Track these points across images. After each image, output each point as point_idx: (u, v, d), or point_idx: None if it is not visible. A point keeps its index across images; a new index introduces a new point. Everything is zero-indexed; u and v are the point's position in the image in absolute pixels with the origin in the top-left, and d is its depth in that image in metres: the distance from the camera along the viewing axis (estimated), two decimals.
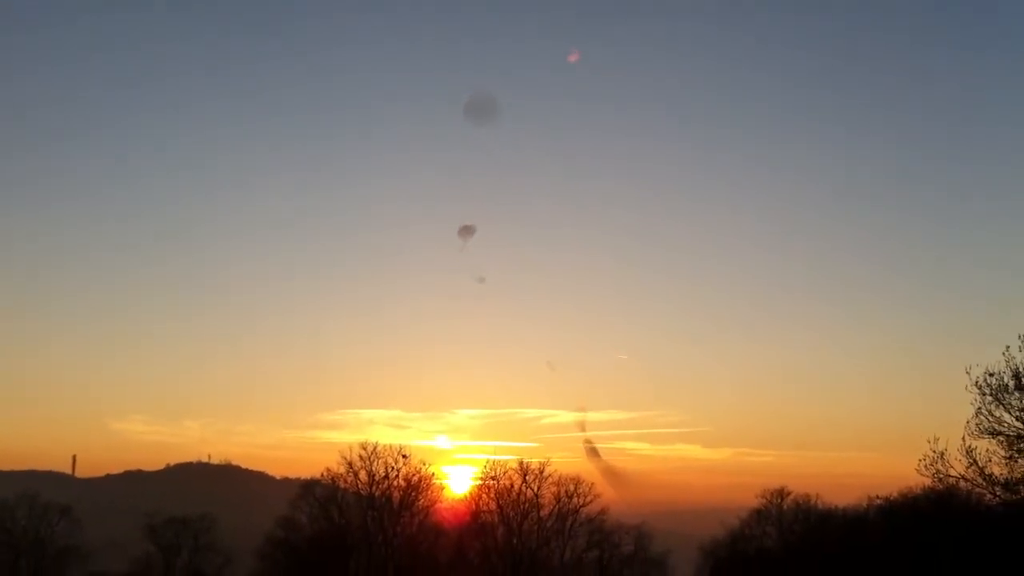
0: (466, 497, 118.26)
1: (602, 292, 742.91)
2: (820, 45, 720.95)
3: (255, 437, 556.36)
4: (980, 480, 52.98)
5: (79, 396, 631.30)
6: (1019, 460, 51.40)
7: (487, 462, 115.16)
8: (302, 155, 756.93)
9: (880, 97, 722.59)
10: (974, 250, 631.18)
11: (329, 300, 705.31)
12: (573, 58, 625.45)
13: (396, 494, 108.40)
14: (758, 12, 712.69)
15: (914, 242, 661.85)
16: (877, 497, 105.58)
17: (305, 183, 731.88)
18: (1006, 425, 51.16)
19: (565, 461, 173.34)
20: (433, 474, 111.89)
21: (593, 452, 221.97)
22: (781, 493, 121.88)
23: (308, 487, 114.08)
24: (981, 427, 51.59)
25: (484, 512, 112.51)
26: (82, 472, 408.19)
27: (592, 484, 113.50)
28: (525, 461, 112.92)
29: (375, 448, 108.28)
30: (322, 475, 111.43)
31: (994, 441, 51.48)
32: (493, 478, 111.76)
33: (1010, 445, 51.07)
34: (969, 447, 51.82)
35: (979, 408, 51.70)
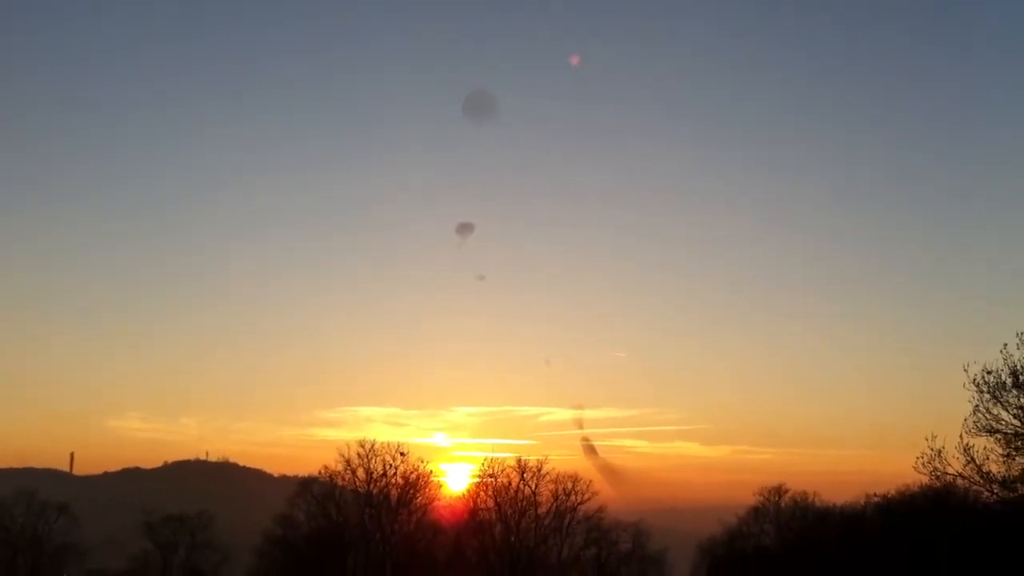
0: (464, 495, 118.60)
1: (600, 290, 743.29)
2: (820, 45, 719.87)
3: (253, 435, 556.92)
4: (978, 478, 52.96)
5: (77, 394, 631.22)
6: (1016, 458, 51.41)
7: (485, 460, 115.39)
8: (299, 153, 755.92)
9: (880, 97, 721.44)
10: (972, 249, 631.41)
11: (327, 298, 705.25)
12: (574, 61, 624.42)
13: (394, 492, 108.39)
14: (758, 12, 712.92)
15: (913, 241, 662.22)
16: (875, 495, 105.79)
17: (303, 181, 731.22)
18: (1004, 423, 51.17)
19: (563, 459, 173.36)
20: (431, 472, 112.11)
21: (590, 450, 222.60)
22: (779, 491, 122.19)
23: (306, 485, 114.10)
24: (979, 425, 51.59)
25: (482, 510, 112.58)
26: (80, 470, 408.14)
27: (590, 482, 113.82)
28: (523, 459, 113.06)
29: (373, 446, 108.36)
30: (320, 473, 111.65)
31: (992, 439, 51.48)
32: (491, 476, 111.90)
33: (1008, 443, 51.07)
34: (967, 445, 51.80)
35: (977, 406, 51.68)
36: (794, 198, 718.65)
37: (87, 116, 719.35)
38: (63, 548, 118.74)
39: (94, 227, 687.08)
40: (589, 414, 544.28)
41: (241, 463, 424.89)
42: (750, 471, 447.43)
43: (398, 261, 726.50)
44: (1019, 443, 50.86)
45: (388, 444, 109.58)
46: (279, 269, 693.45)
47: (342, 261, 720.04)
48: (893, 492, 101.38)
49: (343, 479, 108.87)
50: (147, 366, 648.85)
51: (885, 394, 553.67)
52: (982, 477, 52.70)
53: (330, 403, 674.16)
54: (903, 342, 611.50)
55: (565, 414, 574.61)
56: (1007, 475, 52.23)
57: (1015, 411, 50.92)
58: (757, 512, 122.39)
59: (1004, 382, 51.08)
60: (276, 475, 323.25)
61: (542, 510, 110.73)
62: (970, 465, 52.15)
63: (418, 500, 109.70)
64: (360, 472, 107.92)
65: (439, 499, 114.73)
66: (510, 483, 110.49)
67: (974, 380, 51.81)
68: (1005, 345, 51.06)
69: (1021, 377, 50.65)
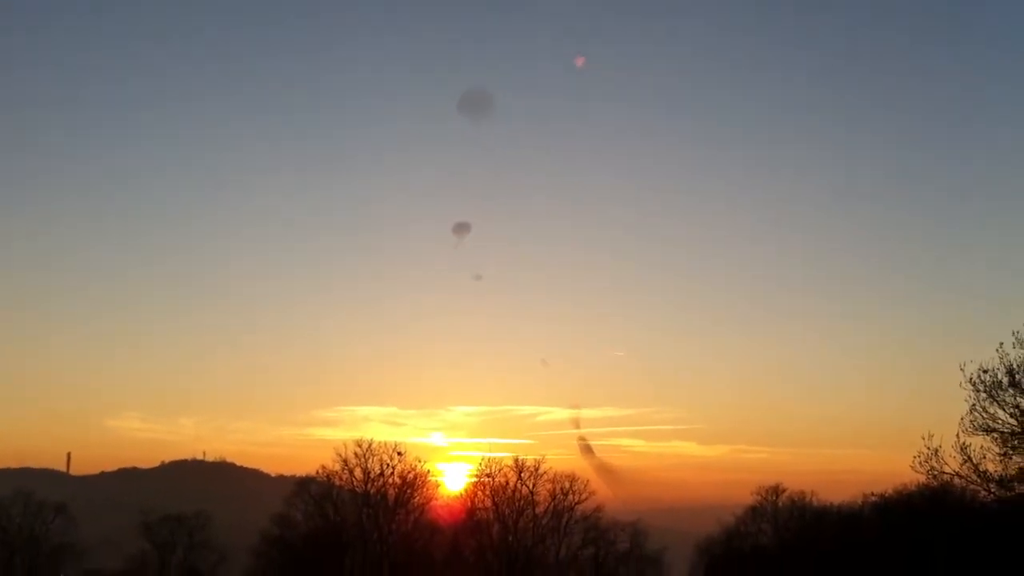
0: (461, 494, 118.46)
1: (598, 289, 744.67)
2: (820, 45, 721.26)
3: (250, 434, 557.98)
4: (974, 477, 52.99)
5: (74, 393, 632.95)
6: (1013, 457, 51.42)
7: (482, 459, 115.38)
8: (299, 153, 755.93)
9: (880, 97, 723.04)
10: (970, 249, 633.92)
11: (325, 298, 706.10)
12: (579, 62, 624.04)
13: (391, 491, 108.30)
14: (758, 12, 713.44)
15: (911, 240, 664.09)
16: (872, 494, 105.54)
17: (303, 181, 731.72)
18: (1000, 422, 51.18)
19: (560, 458, 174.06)
20: (428, 471, 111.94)
21: (587, 449, 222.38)
22: (776, 490, 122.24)
23: (303, 484, 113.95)
24: (975, 424, 51.60)
25: (479, 509, 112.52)
26: (77, 470, 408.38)
27: (587, 481, 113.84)
28: (520, 458, 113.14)
29: (370, 445, 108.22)
30: (317, 472, 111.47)
31: (988, 438, 51.50)
32: (488, 475, 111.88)
33: (1004, 442, 51.08)
34: (963, 444, 51.85)
35: (973, 405, 51.69)
36: (794, 198, 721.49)
37: (87, 116, 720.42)
38: (60, 548, 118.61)
39: (94, 227, 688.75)
40: (586, 413, 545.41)
41: (238, 463, 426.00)
42: (747, 470, 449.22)
43: (396, 261, 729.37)
44: (1015, 442, 50.89)
45: (386, 444, 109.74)
46: (277, 269, 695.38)
47: (340, 261, 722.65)
48: (890, 491, 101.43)
49: (340, 479, 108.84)
50: (145, 366, 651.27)
51: (883, 393, 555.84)
52: (979, 476, 52.74)
53: (328, 403, 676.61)
54: (901, 342, 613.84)
55: (563, 414, 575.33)
56: (1004, 474, 52.24)
57: (1011, 410, 50.95)
58: (755, 512, 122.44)
59: (1000, 381, 51.09)
60: (273, 475, 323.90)
61: (540, 510, 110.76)
62: (967, 464, 52.21)
63: (416, 500, 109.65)
64: (357, 472, 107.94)
65: (437, 499, 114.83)
66: (508, 483, 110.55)
67: (971, 379, 51.84)
68: (1001, 344, 51.10)
69: (1017, 376, 50.67)
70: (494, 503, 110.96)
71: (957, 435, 51.91)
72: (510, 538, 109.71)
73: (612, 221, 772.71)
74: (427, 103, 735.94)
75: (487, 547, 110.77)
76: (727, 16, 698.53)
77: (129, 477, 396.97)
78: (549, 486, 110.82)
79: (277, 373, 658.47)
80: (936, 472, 53.81)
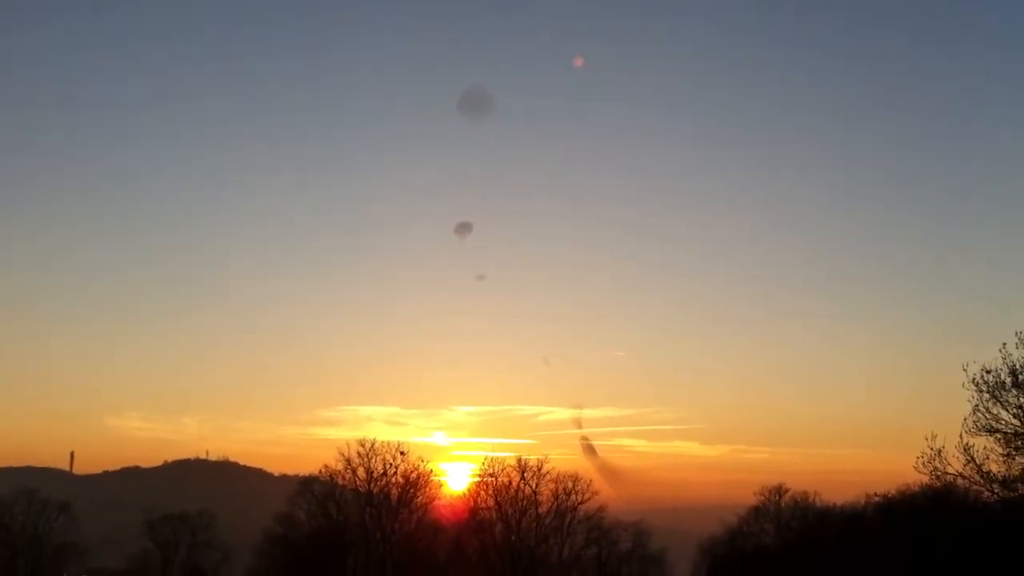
0: (464, 494, 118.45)
1: (600, 289, 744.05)
2: (820, 45, 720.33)
3: (253, 434, 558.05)
4: (978, 477, 52.94)
5: (77, 393, 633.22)
6: (1016, 457, 51.38)
7: (485, 459, 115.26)
8: (299, 153, 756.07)
9: (880, 97, 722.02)
10: (972, 249, 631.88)
11: (327, 297, 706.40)
12: (578, 62, 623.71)
13: (394, 491, 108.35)
14: (758, 12, 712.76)
15: (912, 240, 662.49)
16: (875, 494, 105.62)
17: (303, 181, 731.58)
18: (1003, 422, 51.14)
19: (563, 458, 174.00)
20: (431, 471, 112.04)
21: (590, 449, 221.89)
22: (779, 490, 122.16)
23: (306, 484, 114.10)
24: (978, 424, 51.57)
25: (482, 509, 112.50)
26: (80, 469, 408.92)
27: (590, 481, 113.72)
28: (523, 458, 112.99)
29: (373, 445, 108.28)
30: (320, 472, 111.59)
31: (991, 438, 51.46)
32: (491, 475, 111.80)
33: (1007, 442, 51.04)
34: (967, 444, 51.78)
35: (976, 405, 51.66)
36: (794, 198, 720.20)
37: (87, 116, 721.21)
38: (63, 547, 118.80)
39: (94, 227, 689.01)
40: (588, 413, 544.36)
41: (241, 462, 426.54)
42: (749, 470, 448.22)
43: (397, 261, 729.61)
44: (1019, 442, 50.84)
45: (388, 443, 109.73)
46: (279, 269, 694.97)
47: (342, 261, 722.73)
48: (893, 492, 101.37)
49: (343, 478, 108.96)
50: (147, 365, 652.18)
51: (885, 394, 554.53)
52: (982, 477, 52.70)
53: (330, 402, 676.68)
54: (903, 342, 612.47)
55: (564, 413, 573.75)
56: (1007, 475, 52.22)
57: (1015, 410, 50.92)
58: (757, 512, 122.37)
59: (1003, 381, 51.10)
60: (276, 474, 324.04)
61: (542, 509, 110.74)
62: (970, 465, 52.16)
63: (418, 499, 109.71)
64: (360, 471, 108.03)
65: (439, 498, 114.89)
66: (510, 482, 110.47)
67: (973, 380, 51.83)
68: (1004, 344, 51.13)
69: (1020, 376, 50.65)
70: (497, 503, 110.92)
71: (960, 435, 51.90)
72: (513, 538, 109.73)
73: (612, 221, 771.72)
74: (427, 103, 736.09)
75: (490, 547, 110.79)
76: (727, 16, 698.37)
77: (132, 476, 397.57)
78: (552, 486, 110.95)
79: (279, 373, 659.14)
80: (939, 473, 53.77)
